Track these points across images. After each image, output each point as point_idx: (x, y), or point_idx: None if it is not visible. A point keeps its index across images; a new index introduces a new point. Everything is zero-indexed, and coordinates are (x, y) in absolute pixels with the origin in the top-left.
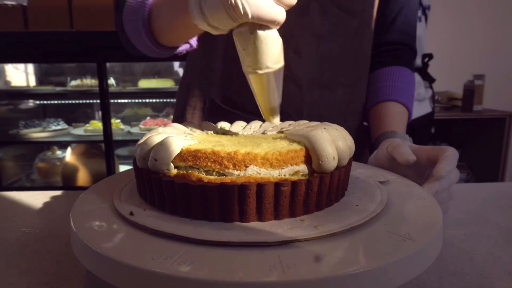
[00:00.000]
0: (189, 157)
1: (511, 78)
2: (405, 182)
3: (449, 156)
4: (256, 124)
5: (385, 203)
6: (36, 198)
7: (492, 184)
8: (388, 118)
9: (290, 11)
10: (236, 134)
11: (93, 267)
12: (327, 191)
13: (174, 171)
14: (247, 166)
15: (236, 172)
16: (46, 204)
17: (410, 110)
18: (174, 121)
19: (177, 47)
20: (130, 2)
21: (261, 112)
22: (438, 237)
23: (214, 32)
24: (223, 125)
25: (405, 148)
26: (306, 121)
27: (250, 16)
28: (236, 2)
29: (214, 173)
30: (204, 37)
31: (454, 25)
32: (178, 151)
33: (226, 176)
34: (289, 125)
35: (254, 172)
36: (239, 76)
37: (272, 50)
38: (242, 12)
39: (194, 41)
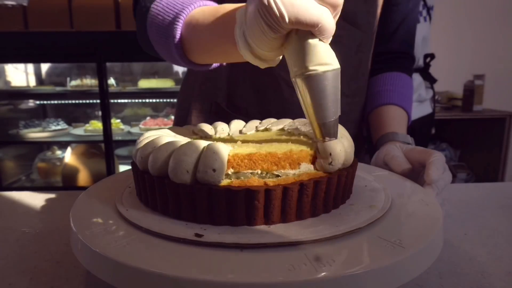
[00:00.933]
0: (241, 162)
1: (511, 78)
2: (404, 182)
3: (436, 161)
4: (223, 126)
5: (389, 204)
6: (36, 198)
7: (492, 184)
8: (389, 120)
9: None
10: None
11: (93, 267)
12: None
13: (226, 181)
14: (300, 164)
15: (292, 172)
16: (46, 204)
17: (409, 115)
18: (176, 122)
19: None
20: (155, 15)
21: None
22: (438, 237)
23: (262, 65)
24: (194, 128)
25: (400, 159)
26: (289, 120)
27: (287, 17)
28: (269, 1)
29: (268, 175)
30: None
31: (454, 25)
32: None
33: (280, 177)
34: (271, 123)
35: (307, 169)
36: (244, 81)
37: (310, 52)
38: (278, 13)
39: None
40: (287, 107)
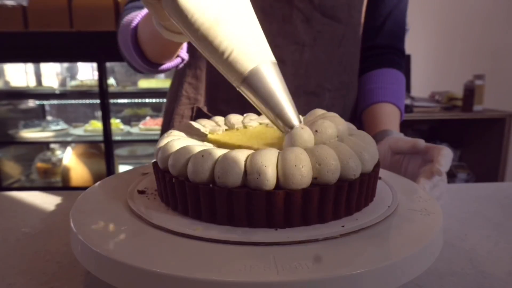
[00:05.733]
0: None
1: (511, 78)
2: (405, 182)
3: (447, 155)
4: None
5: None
6: (36, 198)
7: (492, 184)
8: (382, 118)
9: (272, 20)
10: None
11: (93, 267)
12: None
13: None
14: None
15: None
16: (46, 204)
17: (402, 110)
18: (162, 128)
19: (163, 63)
20: (123, 22)
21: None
22: (438, 237)
23: (180, 39)
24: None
25: (407, 138)
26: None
27: None
28: None
29: None
30: (190, 47)
31: (454, 25)
32: None
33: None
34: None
35: None
36: (225, 85)
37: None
38: None
39: (185, 55)
40: None
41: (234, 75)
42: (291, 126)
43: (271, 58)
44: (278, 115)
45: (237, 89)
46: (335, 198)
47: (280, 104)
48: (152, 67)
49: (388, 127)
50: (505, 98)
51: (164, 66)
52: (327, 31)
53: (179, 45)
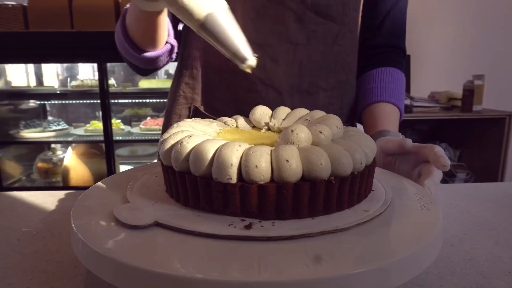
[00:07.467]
0: None
1: (511, 78)
2: (403, 182)
3: (442, 151)
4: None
5: (388, 204)
6: (36, 198)
7: (492, 184)
8: (380, 118)
9: (266, 20)
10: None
11: (93, 267)
12: None
13: None
14: None
15: None
16: (46, 204)
17: (401, 110)
18: (163, 129)
19: (154, 50)
20: (119, 21)
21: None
22: (438, 237)
23: (156, 7)
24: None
25: (397, 138)
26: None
27: None
28: None
29: None
30: (185, 46)
31: (454, 25)
32: None
33: None
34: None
35: None
36: (221, 85)
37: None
38: None
39: (173, 41)
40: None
41: (192, 20)
42: (243, 60)
43: (224, 5)
44: (234, 53)
45: (198, 33)
46: (326, 194)
47: (234, 44)
48: (144, 57)
49: (386, 127)
50: (504, 98)
51: (155, 53)
52: (320, 30)
53: (159, 25)
